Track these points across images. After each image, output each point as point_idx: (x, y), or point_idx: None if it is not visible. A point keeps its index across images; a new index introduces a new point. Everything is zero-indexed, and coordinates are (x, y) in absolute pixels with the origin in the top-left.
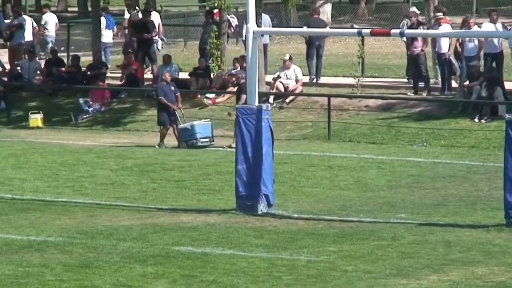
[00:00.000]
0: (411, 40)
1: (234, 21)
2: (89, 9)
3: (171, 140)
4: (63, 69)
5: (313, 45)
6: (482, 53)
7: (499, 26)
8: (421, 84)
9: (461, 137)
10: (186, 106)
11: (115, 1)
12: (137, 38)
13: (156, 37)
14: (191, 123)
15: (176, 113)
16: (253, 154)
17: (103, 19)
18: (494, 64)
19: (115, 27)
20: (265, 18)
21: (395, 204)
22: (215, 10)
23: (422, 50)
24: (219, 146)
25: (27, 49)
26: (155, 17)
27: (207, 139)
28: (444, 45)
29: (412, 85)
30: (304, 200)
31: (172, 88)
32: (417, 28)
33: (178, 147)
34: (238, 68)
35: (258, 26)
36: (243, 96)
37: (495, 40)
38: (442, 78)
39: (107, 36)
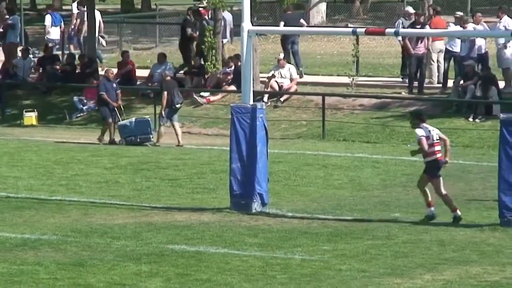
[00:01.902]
0: (416, 41)
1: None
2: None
3: (167, 139)
4: (57, 67)
5: (288, 40)
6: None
7: (479, 27)
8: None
9: (455, 136)
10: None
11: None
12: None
13: (97, 35)
14: (130, 120)
15: (116, 109)
16: (247, 153)
17: (49, 17)
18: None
19: (62, 23)
20: (228, 16)
21: (389, 203)
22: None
23: (427, 50)
24: (162, 143)
25: (22, 48)
26: (96, 14)
27: (146, 136)
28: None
29: (406, 85)
30: (298, 199)
31: (114, 85)
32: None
33: (115, 143)
34: (233, 67)
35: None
36: (164, 94)
37: (482, 42)
38: (444, 76)
39: (53, 33)
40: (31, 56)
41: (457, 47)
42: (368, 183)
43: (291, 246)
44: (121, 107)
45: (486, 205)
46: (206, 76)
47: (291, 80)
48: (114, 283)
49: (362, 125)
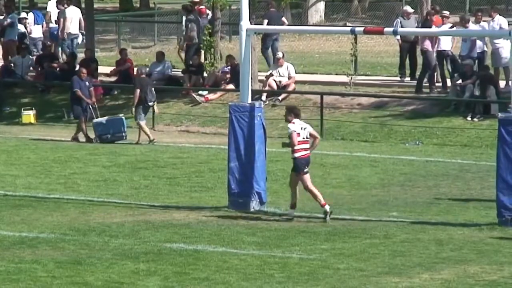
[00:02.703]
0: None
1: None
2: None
3: (165, 137)
4: (55, 64)
5: (270, 37)
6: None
7: (476, 27)
8: (414, 82)
9: (453, 135)
10: (179, 104)
11: None
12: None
13: (77, 32)
14: (105, 118)
15: (90, 107)
16: (245, 151)
17: (31, 15)
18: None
19: (44, 22)
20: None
21: (387, 202)
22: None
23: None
24: (131, 140)
25: (20, 46)
26: (75, 12)
27: (121, 134)
28: (446, 43)
29: (404, 84)
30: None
31: (87, 83)
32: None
33: (90, 142)
34: (230, 66)
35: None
36: (137, 91)
37: (480, 42)
38: (442, 76)
39: (35, 31)
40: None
41: (447, 46)
42: (366, 182)
43: (289, 245)
44: (95, 104)
45: (484, 205)
46: (205, 75)
47: (289, 78)
48: (112, 281)
49: (360, 124)
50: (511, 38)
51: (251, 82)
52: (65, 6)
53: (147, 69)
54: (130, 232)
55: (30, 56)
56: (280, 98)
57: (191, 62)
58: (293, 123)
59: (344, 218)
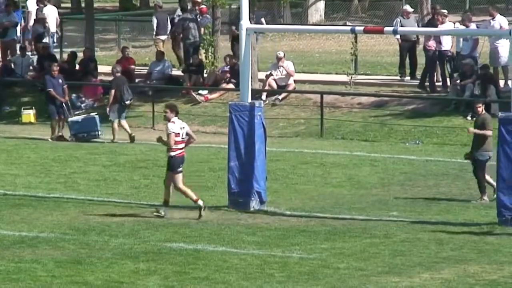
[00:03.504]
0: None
1: None
2: (82, 5)
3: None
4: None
5: None
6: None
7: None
8: (414, 82)
9: (453, 135)
10: (179, 103)
11: None
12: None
13: (54, 30)
14: (80, 117)
15: (64, 105)
16: (245, 151)
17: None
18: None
19: (22, 21)
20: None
21: (388, 201)
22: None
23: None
24: (107, 139)
25: (20, 45)
26: (52, 11)
27: (93, 133)
28: (447, 43)
29: (403, 83)
30: (296, 197)
31: (60, 81)
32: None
33: (60, 140)
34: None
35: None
36: (112, 91)
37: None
38: (442, 75)
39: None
40: (29, 53)
41: (447, 45)
42: (366, 182)
43: (289, 244)
44: (68, 102)
45: (484, 204)
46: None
47: (288, 74)
48: (112, 281)
49: (360, 123)
50: (511, 37)
51: (251, 81)
52: (45, 4)
53: (170, 69)
54: (130, 232)
55: (30, 55)
56: (280, 97)
57: (191, 61)
58: (173, 122)
59: (344, 218)
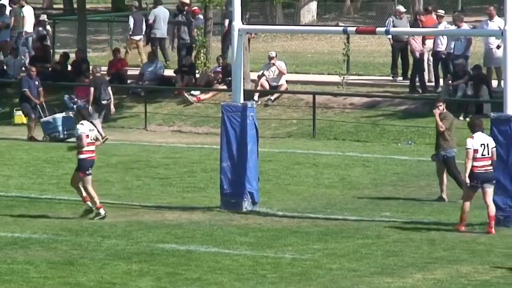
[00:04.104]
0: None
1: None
2: (75, 6)
3: (158, 137)
4: (48, 65)
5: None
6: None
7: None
8: (406, 82)
9: (457, 137)
10: (172, 104)
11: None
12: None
13: (31, 31)
14: (53, 116)
15: (39, 106)
16: (238, 151)
17: None
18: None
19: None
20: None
21: (380, 202)
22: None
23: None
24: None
25: (12, 46)
26: (30, 11)
27: (71, 132)
28: (442, 43)
29: (396, 83)
30: (288, 198)
31: (37, 82)
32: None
33: (35, 140)
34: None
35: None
36: (91, 90)
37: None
38: (435, 76)
39: None
40: (26, 54)
41: (442, 46)
42: (359, 182)
43: (281, 245)
44: (43, 104)
45: (477, 204)
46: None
47: (280, 73)
48: (105, 282)
49: (353, 123)
50: (503, 37)
51: (243, 82)
52: (22, 4)
53: (162, 69)
54: (122, 233)
55: (22, 56)
56: (272, 97)
57: (183, 62)
58: (82, 124)
59: (337, 218)
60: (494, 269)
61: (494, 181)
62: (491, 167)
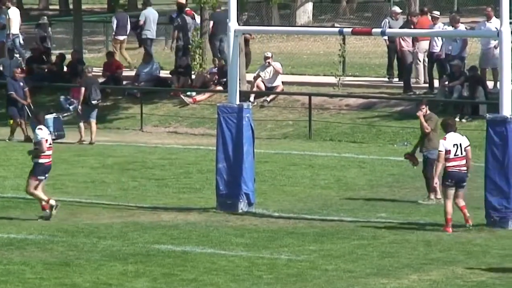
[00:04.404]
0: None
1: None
2: (71, 7)
3: (153, 138)
4: (44, 66)
5: (217, 37)
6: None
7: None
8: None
9: (441, 136)
10: (168, 105)
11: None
12: None
13: (18, 32)
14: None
15: (26, 107)
16: (234, 152)
17: None
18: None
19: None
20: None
21: (376, 203)
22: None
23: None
24: (70, 141)
25: (8, 47)
26: (16, 12)
27: (61, 133)
28: (437, 45)
29: (392, 84)
30: (284, 199)
31: (22, 84)
32: None
33: (29, 141)
34: (217, 68)
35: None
36: (82, 89)
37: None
38: (429, 76)
39: None
40: (17, 55)
41: (438, 47)
42: (355, 183)
43: (277, 246)
44: (30, 105)
45: (473, 205)
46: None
47: (276, 72)
48: (100, 283)
49: (349, 125)
50: (499, 39)
51: (239, 83)
52: (8, 6)
53: (158, 70)
54: (118, 234)
55: (18, 58)
56: (268, 99)
57: (179, 63)
58: (41, 129)
59: (333, 219)
60: (490, 270)
61: (465, 184)
62: (464, 168)
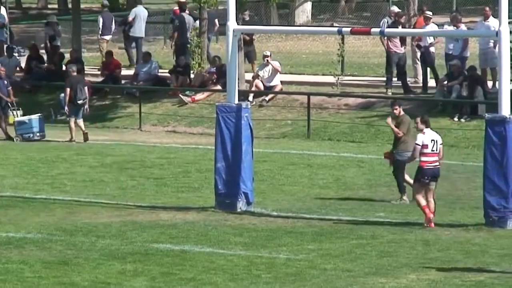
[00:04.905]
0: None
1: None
2: (69, 6)
3: (152, 138)
4: (44, 65)
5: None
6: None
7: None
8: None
9: (440, 136)
10: (166, 104)
11: None
12: None
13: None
14: (29, 117)
15: (9, 105)
16: (232, 152)
17: None
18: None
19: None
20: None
21: (374, 203)
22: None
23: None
24: (55, 139)
25: (6, 46)
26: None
27: (43, 133)
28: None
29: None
30: (283, 198)
31: (6, 82)
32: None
33: (10, 139)
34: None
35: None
36: (67, 90)
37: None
38: (424, 77)
39: None
40: (16, 54)
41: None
42: (353, 183)
43: (276, 245)
44: (13, 103)
45: (471, 205)
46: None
47: (275, 70)
48: (99, 281)
49: (347, 124)
50: (498, 38)
51: (238, 82)
52: None
53: (157, 70)
54: (117, 233)
55: (17, 56)
56: (267, 98)
57: (178, 63)
58: None
59: (331, 219)
60: (488, 270)
61: (438, 178)
62: (438, 163)
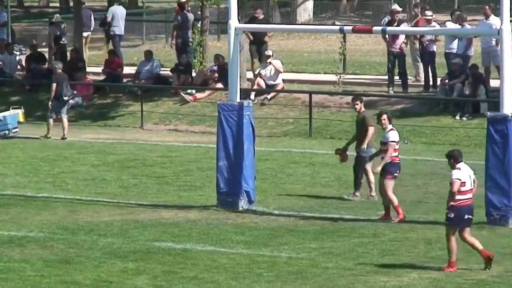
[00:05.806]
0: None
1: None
2: (71, 4)
3: (153, 136)
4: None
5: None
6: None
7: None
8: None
9: (442, 134)
10: (168, 102)
11: None
12: None
13: None
14: (3, 114)
15: None
16: (234, 150)
17: None
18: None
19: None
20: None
21: (376, 201)
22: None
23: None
24: (30, 136)
25: (6, 43)
26: None
27: (17, 130)
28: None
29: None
30: (285, 197)
31: None
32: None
33: None
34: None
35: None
36: (54, 85)
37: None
38: (425, 75)
39: None
40: (17, 52)
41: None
42: None
43: (277, 244)
44: None
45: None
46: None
47: (277, 71)
48: (101, 280)
49: (349, 123)
50: (500, 37)
51: (240, 81)
52: None
53: (158, 68)
54: (118, 231)
55: (18, 55)
56: (268, 96)
57: (180, 61)
58: None
59: (333, 217)
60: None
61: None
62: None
